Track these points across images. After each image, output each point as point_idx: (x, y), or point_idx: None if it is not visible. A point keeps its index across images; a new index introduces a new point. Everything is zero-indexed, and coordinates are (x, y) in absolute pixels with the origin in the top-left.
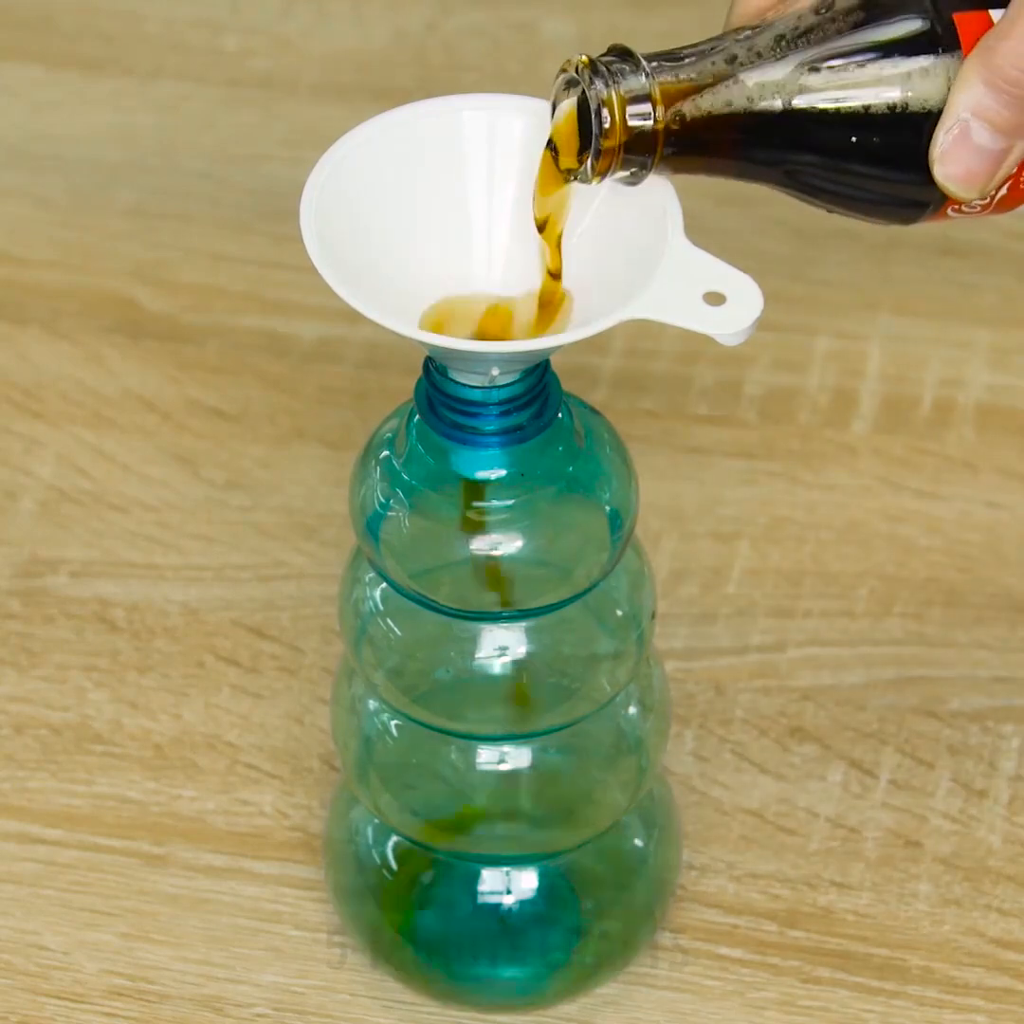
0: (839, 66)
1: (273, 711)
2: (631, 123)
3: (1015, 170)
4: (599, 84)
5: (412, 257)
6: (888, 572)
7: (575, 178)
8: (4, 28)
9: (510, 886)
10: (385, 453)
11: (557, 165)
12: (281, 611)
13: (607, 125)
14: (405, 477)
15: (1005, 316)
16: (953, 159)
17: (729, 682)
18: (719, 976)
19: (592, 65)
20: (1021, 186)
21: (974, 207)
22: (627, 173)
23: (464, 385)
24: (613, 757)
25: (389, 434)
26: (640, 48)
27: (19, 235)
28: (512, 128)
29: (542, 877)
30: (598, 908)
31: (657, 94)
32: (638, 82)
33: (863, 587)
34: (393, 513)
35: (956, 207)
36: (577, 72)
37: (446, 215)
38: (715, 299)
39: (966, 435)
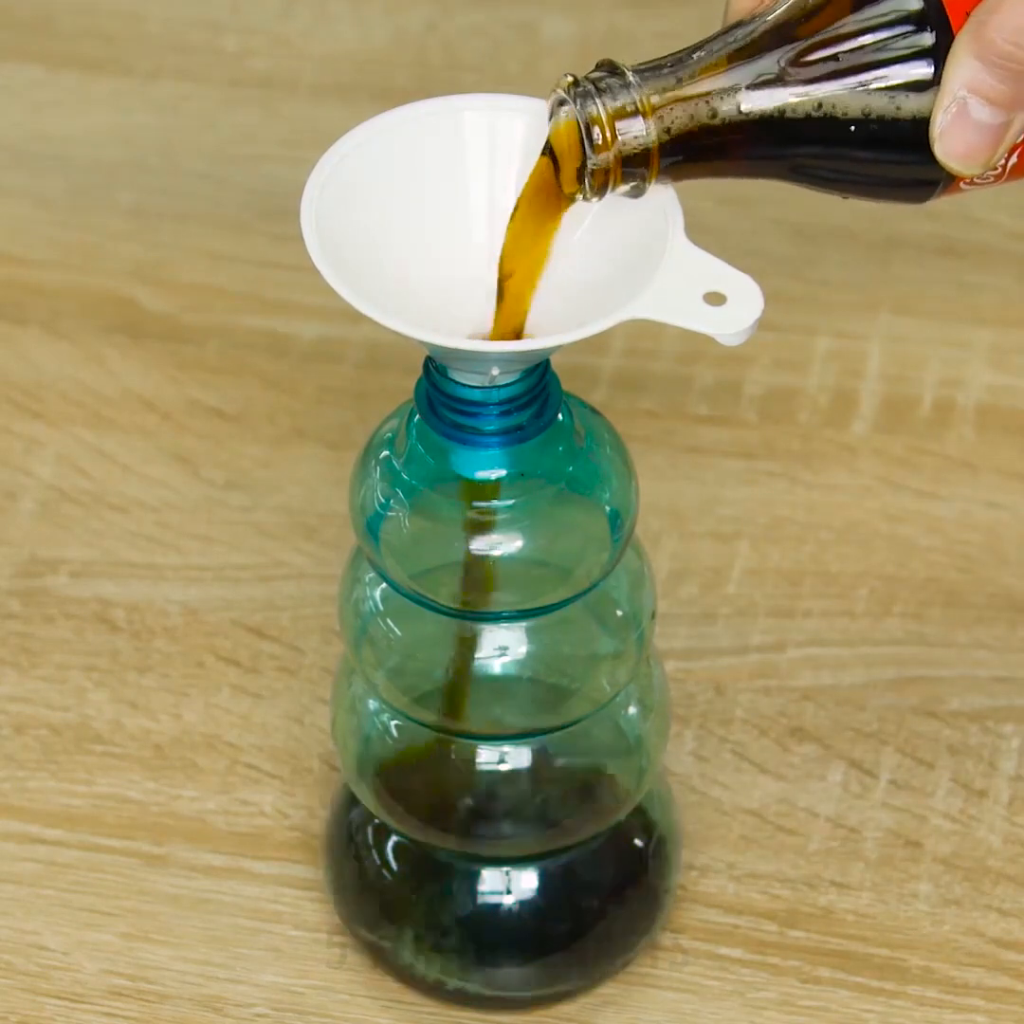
0: (828, 55)
1: (273, 711)
2: (622, 138)
3: (1021, 140)
4: (586, 102)
5: (412, 256)
6: (888, 572)
7: (577, 198)
8: (4, 28)
9: (510, 886)
10: (385, 453)
11: (560, 186)
12: (281, 611)
13: (598, 142)
14: (405, 477)
15: (1005, 316)
16: (953, 137)
17: (729, 682)
18: (719, 976)
19: (577, 83)
20: None
21: (987, 178)
22: (627, 187)
23: (464, 385)
24: (613, 757)
25: (389, 434)
26: (640, 49)
27: (19, 235)
28: (513, 128)
29: (542, 877)
30: (598, 908)
31: (646, 107)
32: (626, 96)
33: (863, 587)
34: (393, 513)
35: (968, 180)
36: (566, 92)
37: (446, 215)
38: (715, 299)
39: (966, 435)
